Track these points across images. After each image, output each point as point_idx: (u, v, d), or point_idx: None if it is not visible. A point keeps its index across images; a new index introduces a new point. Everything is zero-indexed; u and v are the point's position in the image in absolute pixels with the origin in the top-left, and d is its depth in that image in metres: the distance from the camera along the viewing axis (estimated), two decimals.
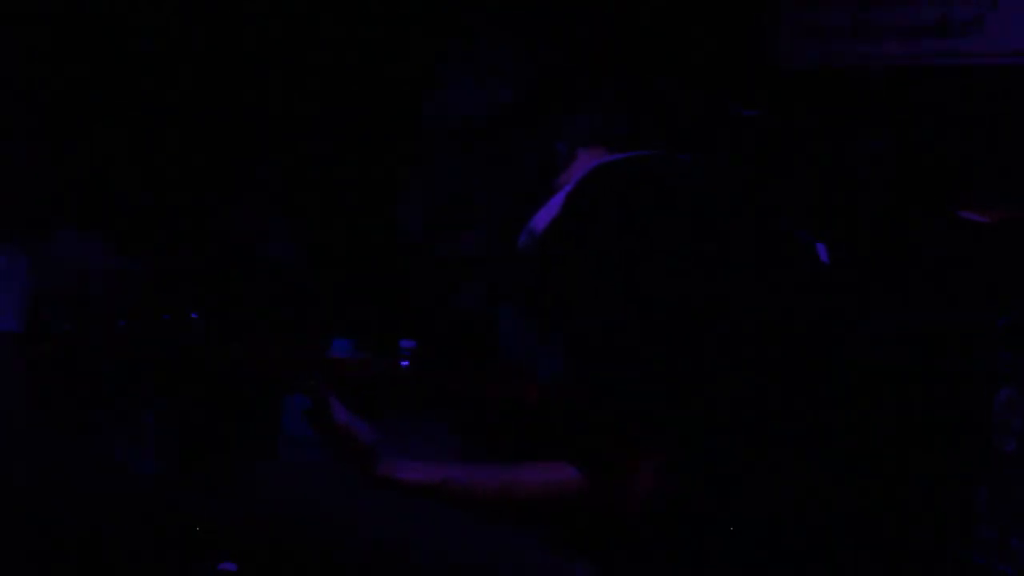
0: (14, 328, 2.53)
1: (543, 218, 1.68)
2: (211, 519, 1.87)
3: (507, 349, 1.73)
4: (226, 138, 3.52)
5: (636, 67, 3.11)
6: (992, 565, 2.26)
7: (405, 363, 2.67)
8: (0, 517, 2.05)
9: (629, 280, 1.56)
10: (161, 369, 2.08)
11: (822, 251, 1.75)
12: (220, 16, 3.54)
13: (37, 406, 2.39)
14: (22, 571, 1.96)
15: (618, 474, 1.56)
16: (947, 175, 3.01)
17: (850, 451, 1.63)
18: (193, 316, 1.99)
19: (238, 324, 3.07)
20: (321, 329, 2.97)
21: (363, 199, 3.62)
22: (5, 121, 3.01)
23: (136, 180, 3.35)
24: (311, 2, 3.62)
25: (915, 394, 1.83)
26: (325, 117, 3.65)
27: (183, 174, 3.43)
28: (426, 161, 1.80)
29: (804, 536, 1.58)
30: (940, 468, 1.95)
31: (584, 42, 1.85)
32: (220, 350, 2.01)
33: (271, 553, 1.69)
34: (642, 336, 1.54)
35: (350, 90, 3.66)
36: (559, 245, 1.62)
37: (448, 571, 1.60)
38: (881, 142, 3.12)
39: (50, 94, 3.19)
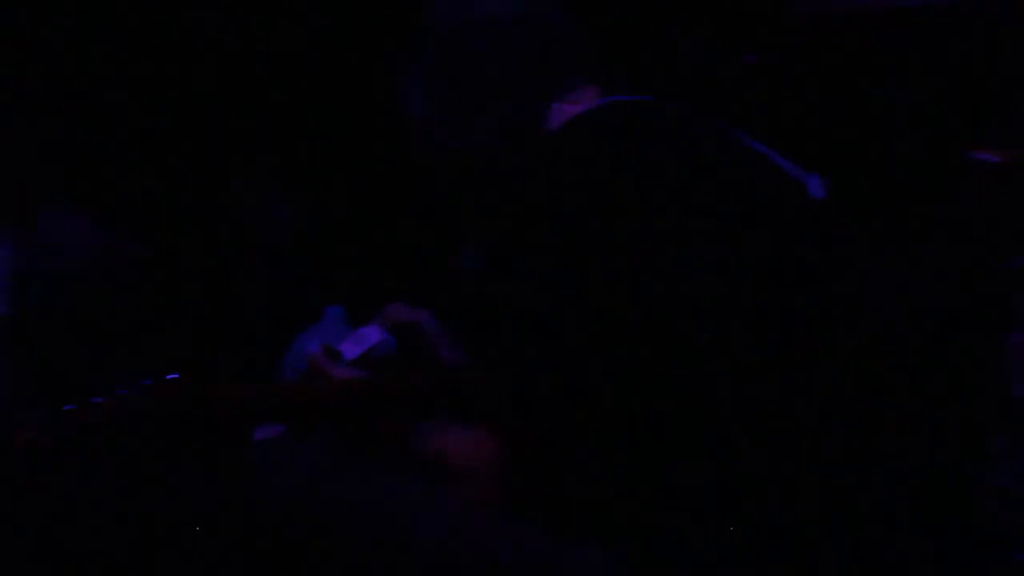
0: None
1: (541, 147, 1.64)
2: (202, 508, 1.82)
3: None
4: (218, 113, 3.48)
5: (643, 14, 3.07)
6: (1003, 514, 2.20)
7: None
8: None
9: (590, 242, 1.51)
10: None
11: (814, 183, 1.67)
12: None
13: (21, 389, 2.35)
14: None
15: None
16: (957, 116, 2.96)
17: (851, 410, 1.57)
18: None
19: (233, 303, 3.03)
20: (315, 300, 2.92)
21: (360, 168, 3.58)
22: None
23: (125, 157, 3.31)
24: None
25: (925, 342, 1.77)
26: (319, 91, 3.61)
27: (173, 151, 3.39)
28: (428, 56, 1.75)
29: (813, 503, 1.52)
30: (952, 422, 1.88)
31: None
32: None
33: (266, 545, 1.64)
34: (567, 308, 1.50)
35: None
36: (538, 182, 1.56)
37: (455, 562, 1.55)
38: (890, 86, 3.07)
39: (34, 73, 3.14)
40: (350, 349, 1.73)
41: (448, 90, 1.71)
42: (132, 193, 3.25)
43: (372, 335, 1.73)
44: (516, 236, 1.57)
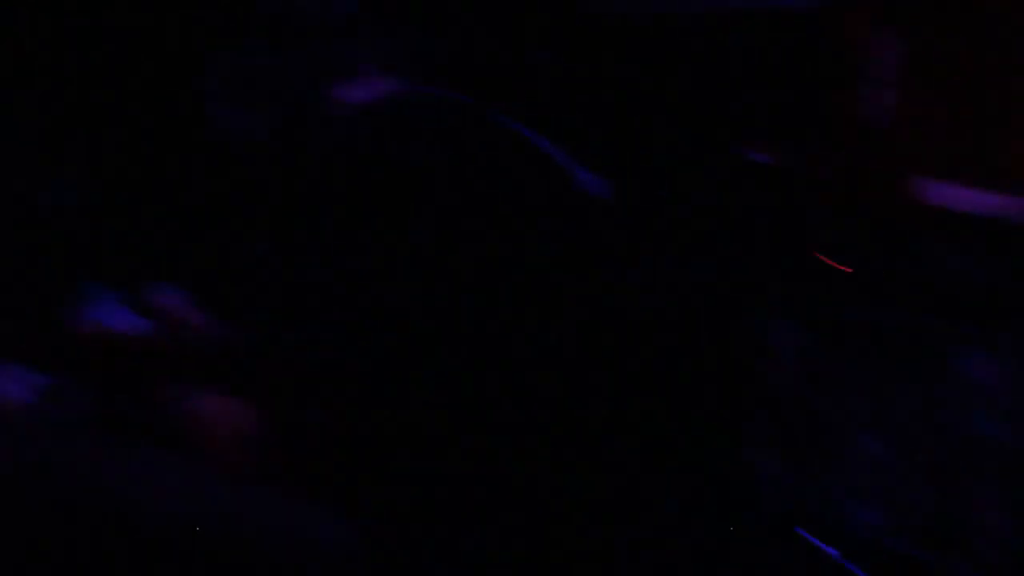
0: None
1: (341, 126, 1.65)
2: None
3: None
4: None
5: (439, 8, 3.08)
6: (769, 496, 2.28)
7: None
8: None
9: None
10: None
11: (593, 181, 1.72)
12: None
13: None
14: None
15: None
16: (731, 116, 3.04)
17: (608, 395, 1.61)
18: None
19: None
20: (85, 276, 2.85)
21: (146, 137, 3.51)
22: None
23: None
24: None
25: (685, 331, 1.82)
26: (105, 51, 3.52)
27: None
28: (235, 45, 1.75)
29: (573, 488, 1.56)
30: (710, 401, 1.95)
31: None
32: None
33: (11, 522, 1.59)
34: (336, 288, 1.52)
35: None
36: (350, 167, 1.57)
37: (201, 530, 1.53)
38: (665, 84, 3.14)
39: None
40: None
41: (247, 79, 1.72)
42: None
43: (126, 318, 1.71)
44: (298, 221, 1.58)
